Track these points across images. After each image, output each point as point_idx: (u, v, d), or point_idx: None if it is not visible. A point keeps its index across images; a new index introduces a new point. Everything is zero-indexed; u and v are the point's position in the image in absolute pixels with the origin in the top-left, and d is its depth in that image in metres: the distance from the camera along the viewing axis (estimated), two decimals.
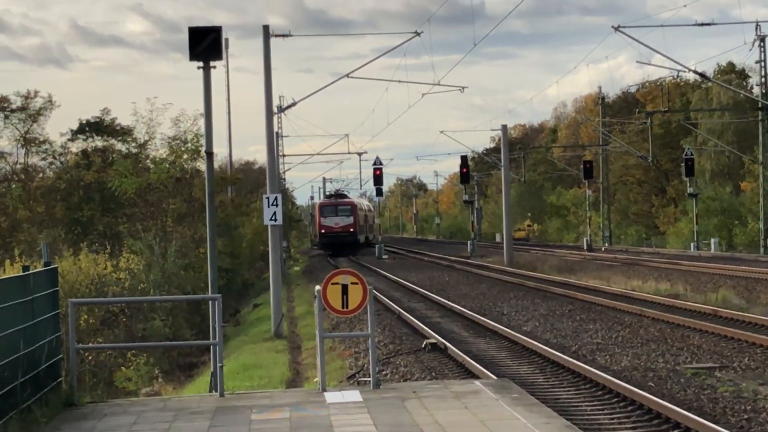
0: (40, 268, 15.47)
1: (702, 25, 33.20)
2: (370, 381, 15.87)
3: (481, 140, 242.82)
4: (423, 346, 25.65)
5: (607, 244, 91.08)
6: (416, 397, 14.70)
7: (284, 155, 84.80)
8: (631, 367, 21.40)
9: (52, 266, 15.59)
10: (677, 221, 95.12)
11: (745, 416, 16.13)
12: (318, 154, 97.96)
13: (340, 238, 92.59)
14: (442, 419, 13.33)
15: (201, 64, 20.74)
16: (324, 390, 15.63)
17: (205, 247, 55.66)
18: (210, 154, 21.64)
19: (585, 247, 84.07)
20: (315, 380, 24.02)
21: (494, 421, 13.22)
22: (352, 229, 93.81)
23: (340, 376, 22.86)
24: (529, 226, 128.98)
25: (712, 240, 77.79)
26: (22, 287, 14.11)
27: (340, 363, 25.22)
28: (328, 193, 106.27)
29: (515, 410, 13.77)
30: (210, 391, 18.79)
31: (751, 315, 29.37)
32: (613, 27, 32.98)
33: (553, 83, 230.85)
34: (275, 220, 33.91)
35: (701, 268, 53.04)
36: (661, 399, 16.85)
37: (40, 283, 14.68)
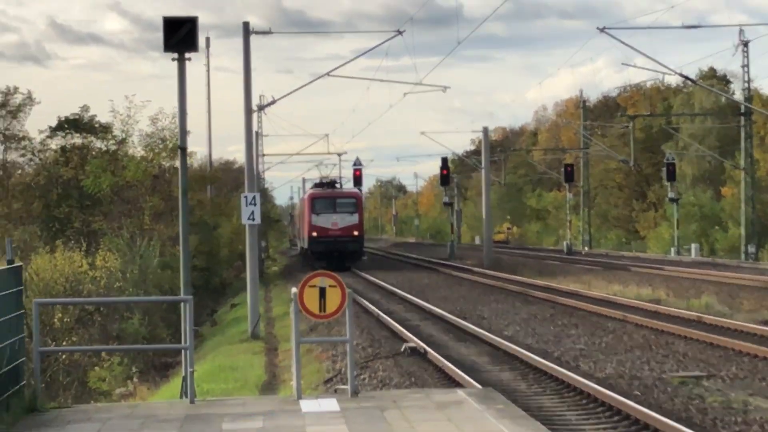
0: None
1: (688, 27, 32.84)
2: (347, 389, 15.21)
3: (461, 143, 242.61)
4: (402, 349, 25.09)
5: (587, 248, 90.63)
6: (396, 407, 14.02)
7: (264, 155, 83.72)
8: (616, 374, 20.85)
9: (16, 264, 14.85)
10: (657, 226, 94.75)
11: (737, 429, 15.59)
12: (297, 154, 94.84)
13: (340, 244, 65.53)
14: None
15: (176, 55, 20.03)
16: (300, 398, 14.92)
17: None
18: (183, 149, 20.92)
19: (565, 251, 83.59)
20: (291, 384, 23.49)
21: None
22: (356, 232, 66.69)
23: (317, 380, 22.32)
24: (508, 228, 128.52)
25: (693, 245, 77.37)
26: None
27: (317, 366, 24.67)
28: (319, 181, 75.71)
29: (501, 423, 13.10)
30: (181, 396, 18.15)
31: (736, 322, 28.86)
32: (598, 28, 32.60)
33: (535, 86, 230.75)
34: (253, 219, 33.46)
35: (682, 273, 52.58)
36: (648, 409, 16.29)
37: (2, 283, 13.93)
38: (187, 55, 19.87)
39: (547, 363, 21.55)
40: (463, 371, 20.72)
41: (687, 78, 36.45)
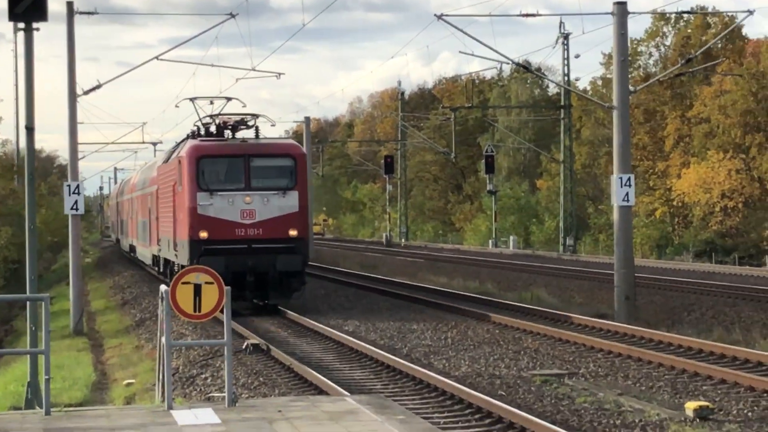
0: None
1: (526, 15, 32.40)
2: (223, 397, 13.94)
3: (274, 133, 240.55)
4: (243, 347, 23.97)
5: (404, 240, 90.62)
6: (284, 419, 12.82)
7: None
8: (474, 372, 20.17)
9: None
10: (473, 218, 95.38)
11: None
12: (112, 143, 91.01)
13: (262, 258, 30.95)
14: None
15: (22, 25, 18.27)
16: (171, 408, 13.57)
17: None
18: (31, 129, 19.09)
19: (384, 243, 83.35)
20: (125, 383, 22.19)
21: None
22: (294, 231, 31.36)
23: (153, 380, 21.01)
24: (324, 221, 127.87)
25: (511, 237, 77.97)
26: None
27: (150, 364, 23.21)
28: (207, 119, 34.02)
29: None
30: (26, 406, 16.63)
31: (576, 315, 28.57)
32: (435, 15, 31.82)
33: (345, 78, 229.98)
34: (77, 209, 32.06)
35: (506, 266, 52.79)
36: (525, 412, 15.59)
37: None
38: (35, 25, 18.18)
39: (400, 360, 20.79)
40: (318, 372, 19.78)
41: (524, 66, 36.05)
